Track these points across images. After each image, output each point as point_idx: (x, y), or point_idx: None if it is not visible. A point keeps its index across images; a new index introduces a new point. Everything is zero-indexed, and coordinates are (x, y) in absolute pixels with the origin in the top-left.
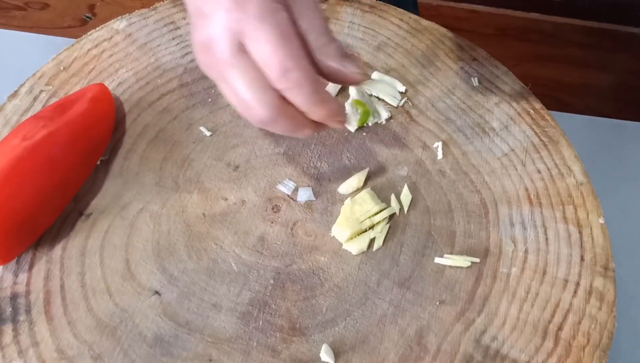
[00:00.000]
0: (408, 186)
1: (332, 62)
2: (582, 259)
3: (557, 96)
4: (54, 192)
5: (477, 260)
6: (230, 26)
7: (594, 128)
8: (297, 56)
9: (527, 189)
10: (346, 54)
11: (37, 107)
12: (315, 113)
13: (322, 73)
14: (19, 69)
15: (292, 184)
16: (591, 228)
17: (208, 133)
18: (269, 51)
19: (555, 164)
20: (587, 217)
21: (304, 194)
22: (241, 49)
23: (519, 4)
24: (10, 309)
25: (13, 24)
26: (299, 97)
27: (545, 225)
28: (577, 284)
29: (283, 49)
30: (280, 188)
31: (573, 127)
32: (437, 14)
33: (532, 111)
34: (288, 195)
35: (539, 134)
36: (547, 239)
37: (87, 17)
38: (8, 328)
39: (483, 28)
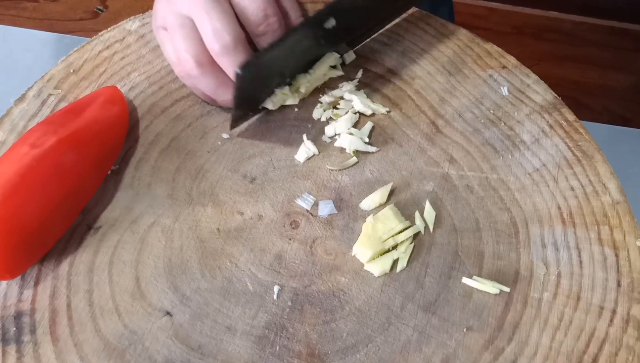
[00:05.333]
0: (433, 202)
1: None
2: (618, 284)
3: (574, 96)
4: (64, 204)
5: (507, 289)
6: None
7: (626, 140)
8: (275, 5)
9: (559, 208)
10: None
11: (46, 112)
12: None
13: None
14: (27, 70)
15: (311, 199)
16: (628, 251)
17: (226, 136)
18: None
19: (590, 181)
20: (624, 239)
21: (325, 208)
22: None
23: (537, 2)
24: (14, 329)
25: (24, 16)
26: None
27: (579, 247)
28: (614, 312)
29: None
30: (299, 202)
31: (606, 138)
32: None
33: (565, 123)
34: (307, 210)
35: (573, 148)
36: (581, 262)
37: (99, 10)
38: (11, 350)
39: (500, 26)
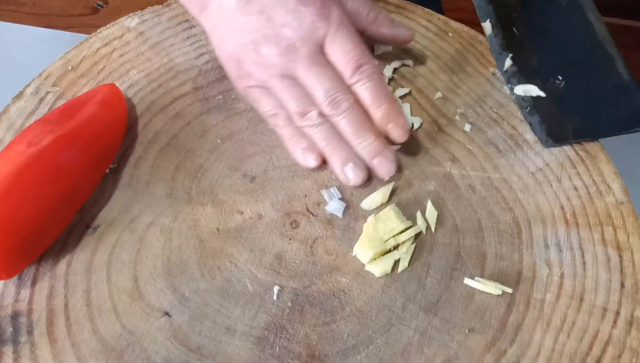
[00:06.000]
0: (435, 202)
1: (385, 29)
2: (622, 286)
3: None
4: (61, 202)
5: (509, 290)
6: (314, 31)
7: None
8: (368, 53)
9: (563, 208)
10: (392, 19)
11: (43, 109)
12: (381, 108)
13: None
14: (25, 67)
15: (336, 193)
16: (632, 252)
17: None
18: (348, 48)
19: (594, 181)
20: (628, 240)
21: (335, 207)
22: (321, 51)
23: None
24: (11, 329)
25: (24, 11)
26: (370, 88)
27: (582, 248)
28: (617, 313)
29: (358, 47)
30: (323, 193)
31: (609, 138)
32: (455, 7)
33: None
34: (308, 209)
35: (576, 148)
36: (584, 263)
37: (99, 5)
38: (8, 350)
39: None
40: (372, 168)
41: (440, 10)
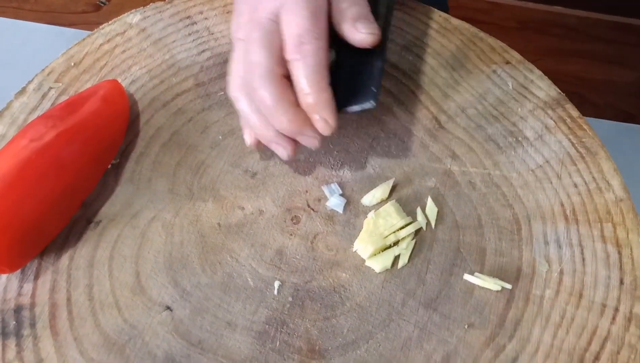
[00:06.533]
0: (435, 198)
1: (344, 24)
2: (621, 282)
3: (577, 92)
4: (63, 197)
5: (509, 285)
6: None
7: (630, 136)
8: (317, 34)
9: (562, 205)
10: (363, 16)
11: (46, 105)
12: (310, 96)
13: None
14: (28, 63)
15: (337, 189)
16: (631, 249)
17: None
18: (296, 22)
19: (593, 178)
20: (627, 236)
21: (336, 202)
22: (275, 20)
23: None
24: (14, 322)
25: (26, 8)
26: (301, 70)
27: (581, 244)
28: (616, 310)
29: (308, 22)
30: (324, 189)
31: (609, 135)
32: (457, 5)
33: (568, 119)
34: (309, 205)
35: (576, 145)
36: (583, 259)
37: (101, 3)
38: (11, 343)
39: (504, 21)
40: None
41: (445, 8)
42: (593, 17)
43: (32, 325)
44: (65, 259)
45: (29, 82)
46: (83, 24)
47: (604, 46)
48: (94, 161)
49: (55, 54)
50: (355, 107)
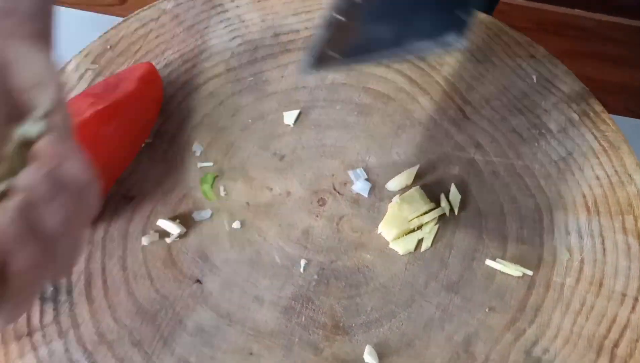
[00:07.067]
0: (458, 185)
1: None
2: None
3: (594, 94)
4: (100, 173)
5: (530, 272)
6: None
7: None
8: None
9: (584, 196)
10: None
11: (82, 86)
12: None
13: None
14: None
15: (362, 174)
16: None
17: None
18: None
19: (616, 171)
20: None
21: (362, 186)
22: None
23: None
24: (52, 289)
25: None
26: None
27: (602, 235)
28: (636, 299)
29: None
30: (350, 173)
31: (632, 132)
32: None
33: (592, 113)
34: (334, 188)
35: (599, 138)
36: (604, 250)
37: None
38: (49, 308)
39: (520, 22)
40: None
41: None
42: (610, 21)
43: (69, 292)
44: (100, 231)
45: (67, 62)
46: (112, 16)
47: (622, 49)
48: (129, 140)
49: (87, 37)
50: (427, 44)
